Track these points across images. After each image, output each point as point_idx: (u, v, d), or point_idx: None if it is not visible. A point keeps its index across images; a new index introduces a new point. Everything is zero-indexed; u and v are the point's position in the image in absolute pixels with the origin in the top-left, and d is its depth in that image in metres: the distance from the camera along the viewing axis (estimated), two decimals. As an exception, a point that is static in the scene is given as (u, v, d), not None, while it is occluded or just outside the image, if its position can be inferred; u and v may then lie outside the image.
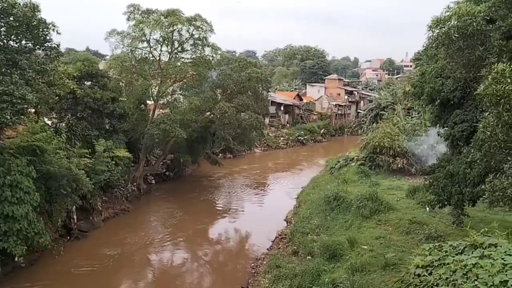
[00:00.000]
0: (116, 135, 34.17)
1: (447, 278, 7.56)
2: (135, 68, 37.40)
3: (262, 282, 20.62)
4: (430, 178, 19.68)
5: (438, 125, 20.98)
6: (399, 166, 37.53)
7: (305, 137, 74.34)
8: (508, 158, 11.75)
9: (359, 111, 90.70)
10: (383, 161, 38.09)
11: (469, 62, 14.46)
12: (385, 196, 28.38)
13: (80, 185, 25.11)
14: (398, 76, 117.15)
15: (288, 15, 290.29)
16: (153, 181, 41.59)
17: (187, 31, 38.13)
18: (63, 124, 31.18)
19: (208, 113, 40.26)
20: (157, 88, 38.92)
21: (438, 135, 20.92)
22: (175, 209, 34.81)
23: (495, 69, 10.67)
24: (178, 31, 37.84)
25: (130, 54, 37.60)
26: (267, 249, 26.34)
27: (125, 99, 37.17)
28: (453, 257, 7.98)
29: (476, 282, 6.97)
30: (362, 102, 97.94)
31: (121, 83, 37.60)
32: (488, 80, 10.81)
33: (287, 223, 31.19)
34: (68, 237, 26.71)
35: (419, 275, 8.31)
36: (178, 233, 29.84)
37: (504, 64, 10.76)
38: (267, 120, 70.20)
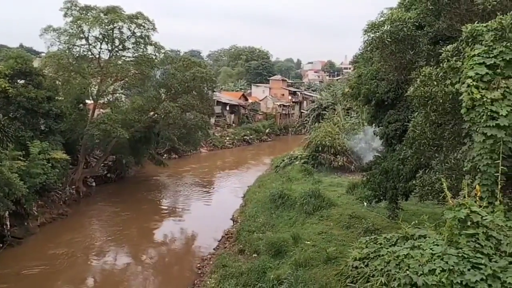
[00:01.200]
0: (53, 136, 32.43)
1: (381, 269, 8.04)
2: (72, 66, 36.01)
3: (208, 282, 20.65)
4: (367, 175, 20.66)
5: (374, 124, 22.05)
6: (339, 163, 39.00)
7: (251, 136, 75.11)
8: (436, 155, 12.64)
9: (302, 111, 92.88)
10: (325, 159, 39.42)
11: (401, 65, 15.32)
12: (327, 193, 29.38)
13: (13, 189, 23.72)
14: (338, 77, 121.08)
15: (233, 16, 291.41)
16: (94, 184, 40.12)
17: (128, 29, 37.44)
18: (-6, 125, 29.55)
19: (152, 113, 39.67)
20: (96, 87, 37.76)
21: (374, 134, 21.98)
22: (117, 212, 33.88)
23: (423, 72, 11.43)
24: (119, 28, 37.04)
25: (67, 51, 36.26)
26: (214, 249, 26.37)
27: (62, 98, 35.75)
28: (387, 249, 8.49)
29: (407, 272, 7.45)
30: (305, 102, 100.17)
31: (57, 82, 36.06)
32: (417, 83, 11.56)
33: (233, 222, 31.38)
34: (1, 245, 25.34)
35: (356, 267, 8.79)
36: (121, 236, 29.10)
37: (431, 67, 11.55)
38: (212, 120, 69.99)
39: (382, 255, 8.32)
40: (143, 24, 37.48)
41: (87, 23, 35.58)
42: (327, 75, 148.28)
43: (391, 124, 19.27)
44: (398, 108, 19.13)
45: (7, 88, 28.91)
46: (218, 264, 22.00)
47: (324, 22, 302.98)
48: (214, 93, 71.72)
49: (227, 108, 79.02)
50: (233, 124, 78.71)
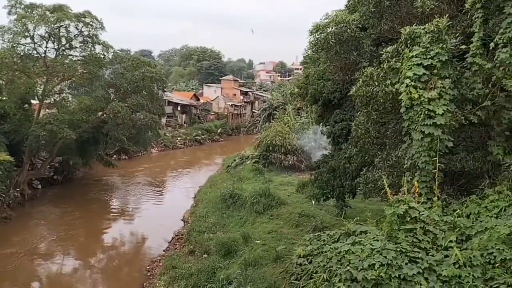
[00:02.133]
0: None
1: (324, 265, 8.19)
2: (17, 65, 34.42)
3: (157, 284, 20.31)
4: (315, 173, 21.02)
5: (321, 123, 22.48)
6: (290, 162, 39.50)
7: (203, 136, 74.51)
8: (379, 153, 13.04)
9: (254, 111, 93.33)
10: (275, 158, 39.81)
11: (345, 66, 15.73)
12: (277, 192, 29.65)
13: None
14: (289, 78, 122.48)
15: (184, 16, 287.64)
16: (40, 186, 38.44)
17: (76, 27, 36.19)
18: None
19: (100, 113, 38.63)
20: (42, 86, 36.30)
21: (321, 133, 22.40)
22: (64, 214, 32.67)
23: (365, 72, 11.77)
24: (66, 27, 35.75)
25: (11, 50, 34.63)
26: (164, 250, 25.95)
27: (6, 98, 34.25)
28: (330, 245, 8.67)
29: (348, 267, 7.65)
30: (256, 102, 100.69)
31: (1, 81, 34.57)
32: (359, 83, 11.89)
33: (184, 222, 31.03)
34: None
35: (300, 265, 8.91)
36: (68, 239, 28.04)
37: (373, 68, 11.91)
38: (164, 120, 69.02)
39: (325, 252, 8.47)
40: (90, 23, 36.37)
41: (32, 22, 34.18)
42: (278, 76, 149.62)
43: (338, 123, 19.69)
44: (344, 108, 19.57)
45: None
46: (168, 266, 21.67)
47: (277, 22, 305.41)
48: (165, 93, 70.68)
49: (179, 108, 78.02)
50: (185, 124, 77.86)
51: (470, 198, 9.86)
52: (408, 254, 7.71)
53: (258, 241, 21.52)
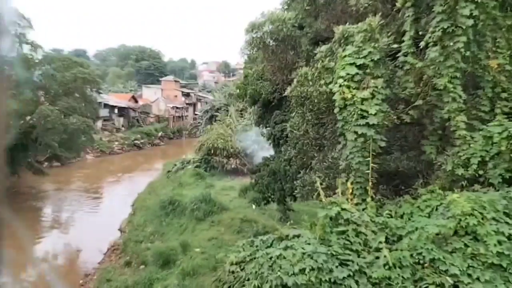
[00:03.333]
0: None
1: (256, 272, 7.83)
2: None
3: (90, 299, 19.22)
4: (256, 177, 20.64)
5: (261, 125, 22.17)
6: (233, 166, 38.98)
7: (142, 140, 72.36)
8: (316, 154, 12.83)
9: (196, 113, 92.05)
10: (217, 162, 39.15)
11: (283, 66, 15.44)
12: (219, 197, 29.00)
13: None
14: (233, 78, 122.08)
15: (121, 13, 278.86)
16: (-44, 199, 35.63)
17: (1, 26, 34.03)
18: None
19: (29, 117, 36.42)
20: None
21: (262, 135, 22.10)
22: (-12, 229, 30.28)
23: (299, 72, 11.49)
24: (-11, 25, 33.45)
25: None
26: (98, 263, 24.71)
27: None
28: (263, 251, 8.27)
29: (279, 273, 7.34)
30: (199, 104, 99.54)
31: None
32: (293, 83, 11.60)
33: (121, 232, 29.70)
34: None
35: (233, 272, 8.45)
36: (-8, 257, 26.00)
37: (308, 68, 11.66)
38: (99, 124, 66.29)
39: (257, 258, 8.07)
40: (17, 22, 34.31)
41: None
42: (222, 76, 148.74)
43: (278, 124, 19.42)
44: (284, 109, 19.31)
45: None
46: (102, 279, 20.64)
47: (220, 20, 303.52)
48: (101, 95, 68.14)
49: (116, 111, 75.15)
50: (123, 128, 75.14)
51: (404, 198, 9.78)
52: (339, 257, 7.55)
53: (198, 249, 20.81)
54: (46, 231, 31.67)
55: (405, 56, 10.26)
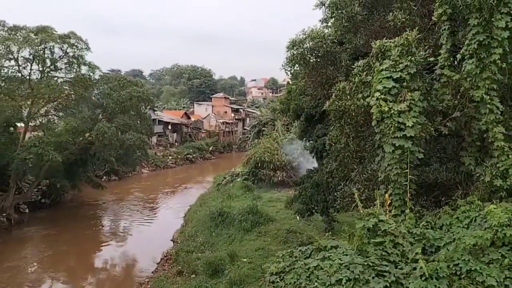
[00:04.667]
0: None
1: (294, 282, 8.08)
2: (1, 88, 34.51)
3: (144, 307, 20.08)
4: (299, 189, 20.93)
5: (304, 138, 22.50)
6: (279, 179, 39.39)
7: (194, 155, 74.26)
8: (355, 166, 13.02)
9: (245, 128, 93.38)
10: (264, 175, 39.69)
11: (323, 81, 15.78)
12: (266, 209, 29.52)
13: None
14: (279, 94, 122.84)
15: (174, 35, 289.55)
16: (27, 210, 37.85)
17: (61, 48, 36.36)
18: None
19: (88, 134, 38.44)
20: (27, 109, 36.10)
21: (305, 148, 22.40)
22: (53, 239, 32.06)
23: (337, 86, 11.82)
24: (50, 48, 35.83)
25: (-6, 73, 34.68)
26: (152, 272, 25.60)
27: None
28: (302, 261, 8.57)
29: (316, 283, 7.57)
30: (248, 119, 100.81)
31: None
32: (332, 97, 11.93)
33: (173, 242, 30.75)
34: None
35: (273, 282, 8.78)
36: (57, 265, 27.50)
37: (345, 82, 11.97)
38: (154, 139, 68.87)
39: (296, 268, 8.38)
40: (76, 44, 36.58)
41: (16, 44, 34.10)
42: (270, 92, 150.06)
43: (320, 138, 19.69)
44: (326, 122, 19.56)
45: None
46: (155, 288, 21.42)
47: (267, 38, 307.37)
48: (155, 112, 70.80)
49: (169, 127, 78.00)
50: (176, 143, 77.68)
51: (443, 209, 9.82)
52: (375, 268, 7.64)
53: (245, 259, 21.31)
54: (104, 242, 32.92)
55: (442, 68, 10.37)
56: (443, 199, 10.87)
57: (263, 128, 57.06)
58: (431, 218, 9.78)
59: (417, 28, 11.71)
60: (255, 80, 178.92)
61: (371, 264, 7.67)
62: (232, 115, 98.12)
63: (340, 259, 7.96)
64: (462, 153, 10.46)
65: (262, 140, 46.94)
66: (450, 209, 9.69)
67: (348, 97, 11.45)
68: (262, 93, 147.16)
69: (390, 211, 10.01)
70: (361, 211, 9.28)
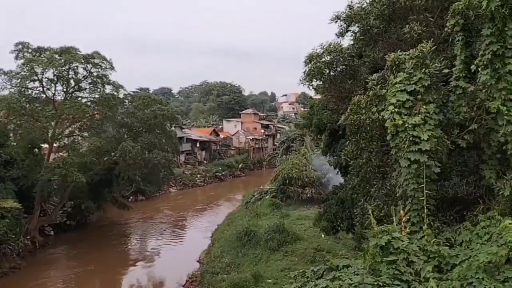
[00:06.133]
0: (3, 183, 30.83)
1: (304, 303, 7.89)
2: (25, 110, 34.51)
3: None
4: (324, 206, 20.56)
5: (328, 154, 22.15)
6: (308, 195, 38.81)
7: (223, 172, 73.98)
8: (374, 182, 12.68)
9: (275, 144, 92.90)
10: (293, 192, 39.21)
11: (343, 95, 15.57)
12: (293, 227, 29.10)
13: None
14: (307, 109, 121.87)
15: (204, 52, 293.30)
16: (52, 232, 37.53)
17: (85, 69, 36.89)
18: None
19: (113, 153, 38.17)
20: (51, 130, 36.11)
21: (329, 163, 22.04)
22: (78, 262, 31.97)
23: (353, 100, 11.62)
24: (74, 69, 36.37)
25: (19, 94, 35.21)
26: (178, 294, 25.66)
27: (14, 143, 34.61)
28: (313, 282, 8.35)
29: (324, 305, 7.33)
30: (278, 135, 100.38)
31: (8, 127, 34.90)
32: (347, 111, 11.72)
33: (199, 264, 30.55)
34: None
35: (285, 304, 8.60)
36: (83, 285, 27.88)
37: (360, 96, 11.75)
38: (182, 158, 69.21)
39: (307, 289, 8.18)
40: (100, 64, 36.95)
41: (40, 65, 34.68)
42: (301, 107, 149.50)
43: (342, 152, 19.30)
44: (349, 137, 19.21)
45: None
46: (179, 311, 21.34)
47: (297, 53, 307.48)
48: (183, 130, 70.88)
49: (198, 145, 77.92)
50: (205, 161, 77.58)
51: (464, 225, 9.41)
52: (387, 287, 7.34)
53: (270, 280, 20.96)
54: (130, 264, 32.89)
55: (457, 80, 10.07)
56: (466, 214, 10.40)
57: (291, 144, 56.60)
58: (451, 234, 9.38)
59: (432, 39, 11.45)
60: (286, 95, 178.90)
61: (381, 284, 7.41)
62: (262, 131, 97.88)
63: (350, 279, 7.73)
64: (482, 166, 10.04)
65: (290, 156, 46.50)
66: (470, 224, 9.27)
67: (363, 110, 11.23)
68: (293, 108, 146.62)
69: (405, 228, 9.66)
70: (375, 228, 8.97)
